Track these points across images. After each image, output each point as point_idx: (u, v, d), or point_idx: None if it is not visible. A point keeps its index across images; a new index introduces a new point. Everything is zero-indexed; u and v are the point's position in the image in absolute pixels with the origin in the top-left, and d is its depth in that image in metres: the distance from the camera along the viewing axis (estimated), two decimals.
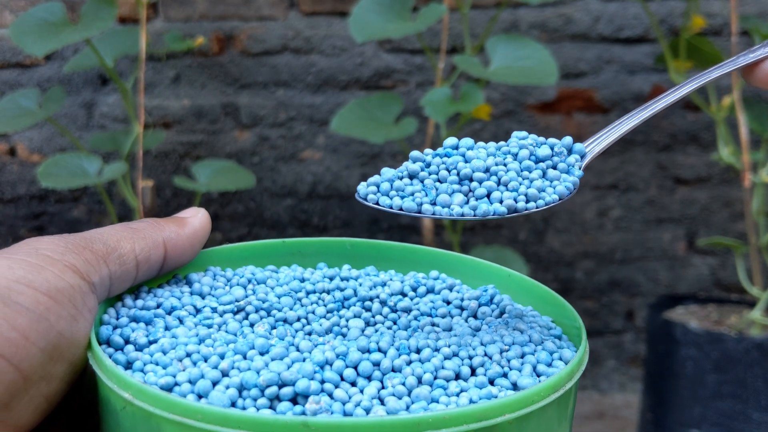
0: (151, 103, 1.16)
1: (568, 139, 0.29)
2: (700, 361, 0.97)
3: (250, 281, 0.30)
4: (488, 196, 0.26)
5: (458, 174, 0.27)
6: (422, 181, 0.27)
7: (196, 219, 0.29)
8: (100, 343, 0.25)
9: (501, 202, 0.26)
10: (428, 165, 0.27)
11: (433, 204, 0.26)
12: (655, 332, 1.05)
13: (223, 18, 1.15)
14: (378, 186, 0.27)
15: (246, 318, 0.28)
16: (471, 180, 0.26)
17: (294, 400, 0.23)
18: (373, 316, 0.29)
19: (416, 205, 0.26)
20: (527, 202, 0.26)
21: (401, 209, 0.26)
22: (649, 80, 1.20)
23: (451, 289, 0.32)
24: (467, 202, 0.26)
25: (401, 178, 0.27)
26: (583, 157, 0.29)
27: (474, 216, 0.26)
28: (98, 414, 0.25)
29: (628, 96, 1.20)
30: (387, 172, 0.27)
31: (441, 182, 0.27)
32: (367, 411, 0.22)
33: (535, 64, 0.92)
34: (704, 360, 0.97)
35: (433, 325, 0.29)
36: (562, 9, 1.17)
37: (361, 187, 0.27)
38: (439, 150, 0.27)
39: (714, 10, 1.17)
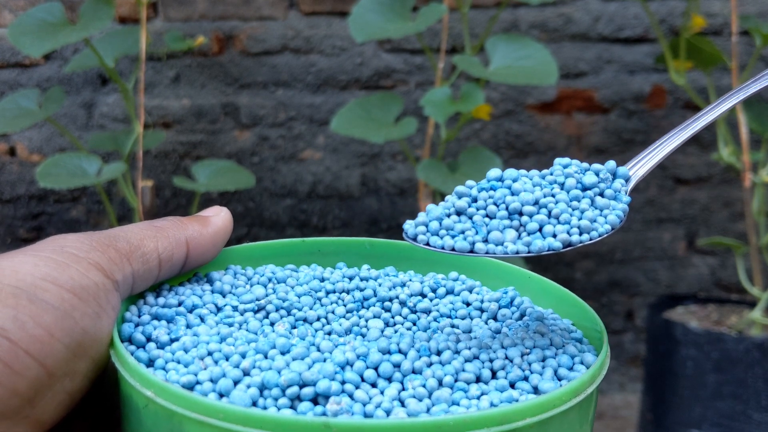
0: (151, 103, 1.16)
1: (611, 164, 0.28)
2: (700, 361, 0.97)
3: (270, 280, 0.30)
4: (540, 230, 0.26)
5: (507, 208, 0.26)
6: (471, 218, 0.26)
7: (218, 218, 0.29)
8: (122, 341, 0.25)
9: (554, 236, 0.26)
10: (475, 200, 0.27)
11: (485, 241, 0.26)
12: (655, 332, 1.05)
13: (223, 18, 1.15)
14: (426, 225, 0.26)
15: (266, 317, 0.28)
16: (520, 214, 0.26)
17: (315, 401, 0.23)
18: (393, 317, 0.29)
19: (468, 245, 0.26)
20: (580, 234, 0.26)
21: (453, 249, 0.26)
22: (649, 80, 1.20)
23: (471, 290, 0.31)
24: (519, 237, 0.26)
25: (449, 216, 0.26)
26: (627, 181, 0.28)
27: (528, 253, 0.25)
28: (119, 411, 0.25)
29: (628, 96, 1.20)
30: (433, 209, 0.26)
31: (490, 217, 0.26)
32: (388, 412, 0.22)
33: (535, 64, 0.92)
34: (704, 360, 0.97)
35: (453, 326, 0.28)
36: (562, 9, 1.17)
37: (409, 227, 0.27)
38: (484, 183, 0.27)
39: (714, 10, 1.17)
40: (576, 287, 1.26)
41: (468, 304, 0.30)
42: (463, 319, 0.29)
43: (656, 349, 1.04)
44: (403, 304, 0.30)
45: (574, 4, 1.17)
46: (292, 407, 0.22)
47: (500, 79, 0.90)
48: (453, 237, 0.26)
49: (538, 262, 1.24)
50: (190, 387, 0.23)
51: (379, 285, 0.31)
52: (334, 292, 0.30)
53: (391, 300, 0.30)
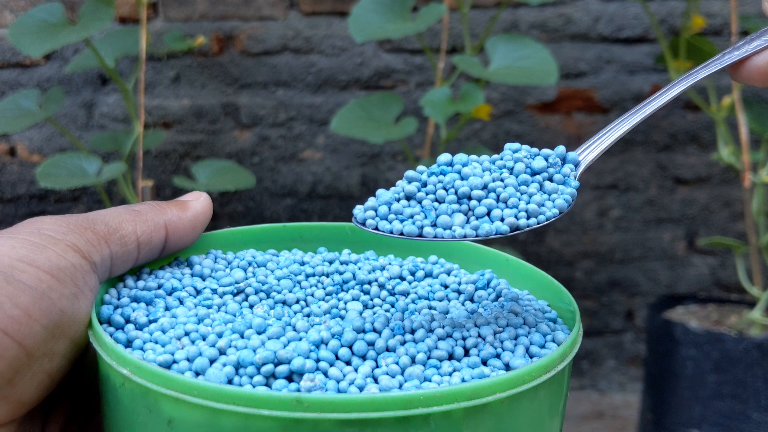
0: (151, 103, 1.16)
1: (561, 149, 0.28)
2: (700, 361, 0.97)
3: (250, 264, 0.31)
4: (488, 214, 0.26)
5: (456, 193, 0.26)
6: (420, 202, 0.26)
7: (198, 202, 0.29)
8: (101, 323, 0.26)
9: (502, 220, 0.26)
10: (424, 184, 0.27)
11: (434, 226, 0.26)
12: (655, 332, 1.05)
13: (223, 18, 1.15)
14: (376, 210, 0.27)
15: (246, 299, 0.29)
16: (470, 198, 0.26)
17: (290, 378, 0.23)
18: (372, 299, 0.30)
19: (417, 229, 0.26)
20: (528, 218, 0.26)
21: (402, 234, 0.26)
22: (649, 80, 1.20)
23: (449, 273, 0.32)
24: (468, 222, 0.26)
25: (398, 200, 0.27)
26: (577, 165, 0.29)
27: (476, 236, 0.26)
28: (99, 392, 0.25)
29: (628, 96, 1.20)
30: (383, 194, 0.27)
31: (439, 202, 0.26)
32: (361, 389, 0.23)
33: (535, 64, 0.92)
34: (704, 360, 0.97)
35: (431, 308, 0.29)
36: (562, 9, 1.17)
37: (358, 212, 0.27)
38: (434, 168, 0.27)
39: (714, 10, 1.17)
40: (576, 287, 1.26)
41: (446, 287, 0.31)
42: (440, 300, 0.29)
43: (656, 349, 1.04)
44: (381, 286, 0.30)
45: (574, 4, 1.17)
46: (267, 385, 0.23)
47: (500, 79, 0.91)
48: (402, 221, 0.26)
49: (539, 262, 1.24)
50: (167, 366, 0.23)
51: (359, 268, 0.31)
52: (313, 275, 0.31)
53: (370, 283, 0.30)
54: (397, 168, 1.20)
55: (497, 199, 0.26)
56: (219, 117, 1.18)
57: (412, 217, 0.26)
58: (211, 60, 1.16)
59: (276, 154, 1.19)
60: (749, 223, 1.01)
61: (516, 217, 0.26)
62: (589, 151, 0.29)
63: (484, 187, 0.26)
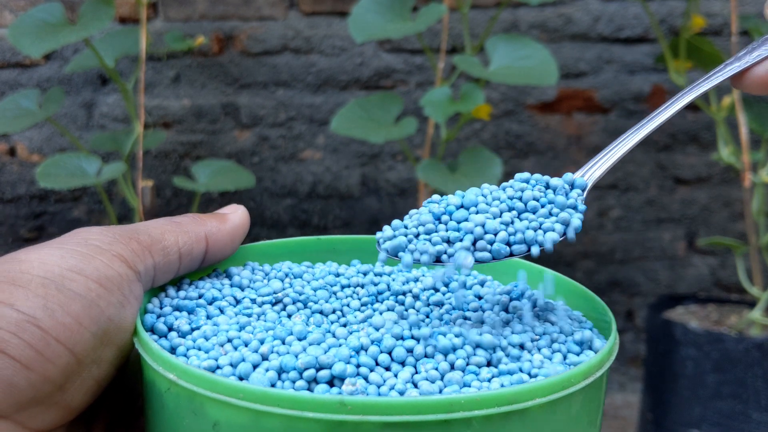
0: (151, 103, 1.16)
1: (568, 176, 0.29)
2: (700, 361, 0.97)
3: (287, 275, 0.31)
4: (508, 244, 0.27)
5: (471, 232, 0.27)
6: (432, 239, 0.27)
7: (236, 215, 0.30)
8: (145, 330, 0.26)
9: (516, 244, 0.27)
10: (438, 218, 0.28)
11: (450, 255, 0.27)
12: (655, 332, 1.05)
13: (223, 18, 1.15)
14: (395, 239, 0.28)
15: (284, 309, 0.29)
16: (483, 226, 0.27)
17: (331, 383, 0.23)
18: (406, 310, 0.30)
19: (434, 255, 0.27)
20: (540, 243, 0.27)
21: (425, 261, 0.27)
22: (649, 80, 1.20)
23: (482, 284, 0.32)
24: (483, 249, 0.27)
25: (417, 236, 0.27)
26: (584, 189, 0.29)
27: (493, 260, 0.27)
28: (141, 400, 0.26)
29: (628, 96, 1.20)
30: (398, 225, 0.28)
31: (452, 243, 0.27)
32: (401, 394, 0.23)
33: (535, 64, 0.92)
34: (704, 360, 0.97)
35: (465, 318, 0.29)
36: (562, 9, 1.17)
37: (381, 239, 0.28)
38: (448, 208, 0.28)
39: (714, 10, 1.17)
40: None
41: (480, 297, 0.31)
42: (474, 311, 0.30)
43: (656, 349, 1.04)
44: (416, 297, 0.31)
45: (574, 4, 1.17)
46: (309, 389, 0.23)
47: (500, 79, 0.91)
48: (421, 253, 0.27)
49: (539, 262, 1.24)
50: (211, 371, 0.24)
51: (393, 280, 0.32)
52: (348, 286, 0.31)
53: (404, 294, 0.31)
54: (397, 168, 1.20)
55: (509, 225, 0.27)
56: (219, 117, 1.18)
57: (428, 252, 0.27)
58: (211, 60, 1.16)
59: (276, 154, 1.19)
60: (749, 223, 1.01)
61: (528, 242, 0.27)
62: (596, 169, 0.30)
63: (496, 217, 0.27)
